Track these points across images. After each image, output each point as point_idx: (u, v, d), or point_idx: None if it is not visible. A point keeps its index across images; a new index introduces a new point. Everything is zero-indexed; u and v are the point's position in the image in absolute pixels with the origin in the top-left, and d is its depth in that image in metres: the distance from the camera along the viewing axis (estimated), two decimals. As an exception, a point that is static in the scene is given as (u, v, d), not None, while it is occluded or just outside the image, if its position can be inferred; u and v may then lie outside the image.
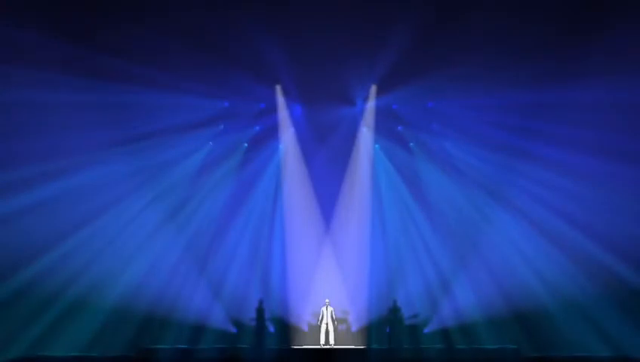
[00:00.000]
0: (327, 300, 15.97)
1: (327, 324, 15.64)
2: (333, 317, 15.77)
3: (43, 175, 15.14)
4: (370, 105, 17.43)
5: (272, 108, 17.54)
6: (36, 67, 14.51)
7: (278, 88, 17.23)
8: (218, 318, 16.29)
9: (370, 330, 16.39)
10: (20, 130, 14.93)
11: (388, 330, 15.74)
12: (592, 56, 14.62)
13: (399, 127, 17.76)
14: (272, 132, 17.71)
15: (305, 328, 16.70)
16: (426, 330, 16.19)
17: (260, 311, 15.86)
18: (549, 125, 15.84)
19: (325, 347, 15.33)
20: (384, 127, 17.72)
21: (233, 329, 16.32)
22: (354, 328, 16.67)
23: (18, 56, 14.40)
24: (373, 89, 17.13)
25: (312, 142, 17.76)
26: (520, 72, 15.71)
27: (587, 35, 14.57)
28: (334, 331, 15.65)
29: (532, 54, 15.51)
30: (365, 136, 17.75)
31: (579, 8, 14.65)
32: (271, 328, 16.30)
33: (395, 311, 15.74)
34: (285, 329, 16.39)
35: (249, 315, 16.06)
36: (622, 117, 14.99)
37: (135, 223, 16.20)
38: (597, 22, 14.45)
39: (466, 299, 16.12)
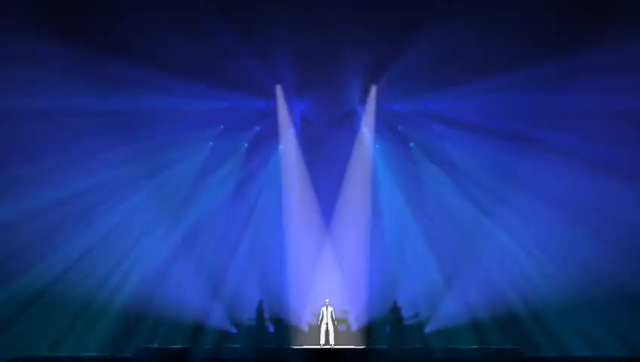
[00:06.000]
0: (327, 300, 15.95)
1: (327, 324, 15.61)
2: (333, 317, 15.74)
3: (43, 177, 15.16)
4: (370, 105, 17.42)
5: (272, 109, 17.54)
6: (37, 72, 14.52)
7: (279, 88, 17.22)
8: (218, 318, 16.27)
9: (370, 330, 16.37)
10: (26, 133, 14.98)
11: (388, 330, 15.72)
12: (595, 56, 14.60)
13: (399, 127, 17.76)
14: (272, 132, 17.72)
15: (305, 328, 16.68)
16: (426, 330, 16.17)
17: (259, 311, 15.86)
18: (550, 125, 15.83)
19: (325, 347, 15.30)
20: (384, 127, 17.72)
21: (233, 329, 16.30)
22: (354, 328, 16.65)
23: (20, 62, 14.42)
24: (374, 89, 17.12)
25: (312, 143, 17.76)
26: (521, 72, 15.71)
27: (589, 36, 14.55)
28: (334, 331, 15.62)
29: (534, 54, 15.51)
30: (365, 136, 17.75)
31: (580, 10, 14.64)
32: (271, 328, 16.28)
33: (395, 311, 15.72)
34: (285, 329, 16.36)
35: (249, 315, 16.06)
36: (622, 115, 14.99)
37: (135, 223, 16.22)
38: (598, 23, 14.44)
39: (466, 299, 16.10)
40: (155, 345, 14.76)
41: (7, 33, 13.92)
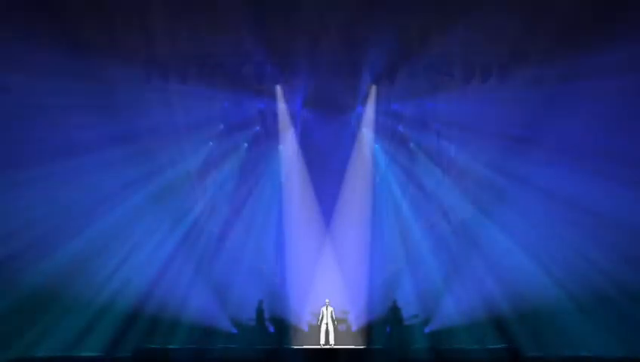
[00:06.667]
0: (327, 300, 15.93)
1: (327, 324, 15.60)
2: (333, 317, 15.73)
3: (46, 176, 15.16)
4: (370, 105, 17.43)
5: (272, 109, 17.55)
6: (36, 73, 14.52)
7: (278, 88, 17.23)
8: (218, 318, 16.27)
9: (370, 330, 16.37)
10: (21, 133, 14.97)
11: (388, 330, 15.72)
12: (596, 56, 14.60)
13: (399, 127, 17.77)
14: (271, 132, 17.71)
15: (305, 328, 16.68)
16: (426, 330, 16.18)
17: (259, 311, 15.86)
18: (550, 125, 15.83)
19: (325, 347, 15.30)
20: (384, 127, 17.73)
21: (233, 329, 16.31)
22: (354, 328, 16.65)
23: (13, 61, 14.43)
24: (373, 89, 17.13)
25: (311, 142, 17.76)
26: (521, 72, 15.71)
27: (591, 36, 14.55)
28: (334, 331, 15.61)
29: (534, 54, 15.52)
30: (365, 136, 17.76)
31: (582, 10, 14.65)
32: (271, 328, 16.29)
33: (395, 310, 15.73)
34: (285, 329, 16.36)
35: (249, 315, 16.07)
36: (623, 115, 15.00)
37: (135, 223, 16.21)
38: (601, 23, 14.45)
39: (466, 299, 16.11)
40: (154, 345, 14.76)
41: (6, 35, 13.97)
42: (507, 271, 16.07)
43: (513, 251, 16.21)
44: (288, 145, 17.84)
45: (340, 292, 16.88)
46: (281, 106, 17.52)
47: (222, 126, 17.52)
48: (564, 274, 15.54)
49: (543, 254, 15.96)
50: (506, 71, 15.79)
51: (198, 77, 16.02)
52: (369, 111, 17.53)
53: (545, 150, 15.98)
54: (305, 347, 15.69)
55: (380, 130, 17.71)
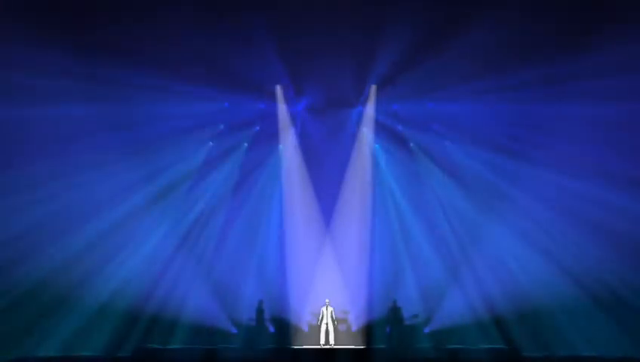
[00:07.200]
0: (327, 300, 15.95)
1: (327, 324, 15.62)
2: (333, 317, 15.74)
3: (46, 176, 15.17)
4: (370, 105, 17.44)
5: (272, 109, 17.56)
6: (35, 74, 14.52)
7: (278, 88, 17.25)
8: (218, 318, 16.27)
9: (370, 330, 16.36)
10: (25, 134, 14.98)
11: (388, 330, 15.72)
12: (596, 56, 14.59)
13: (399, 127, 17.77)
14: (272, 132, 17.71)
15: (305, 328, 16.68)
16: (426, 330, 16.17)
17: (259, 311, 15.87)
18: (550, 125, 15.83)
19: (325, 347, 15.30)
20: (384, 127, 17.73)
21: (233, 329, 16.31)
22: (354, 328, 16.65)
23: (18, 64, 14.42)
24: (374, 89, 17.15)
25: (311, 143, 17.77)
26: (521, 72, 15.69)
27: (591, 35, 14.54)
28: (334, 331, 15.62)
29: (534, 54, 15.51)
30: (365, 136, 17.77)
31: (582, 8, 14.63)
32: (271, 328, 16.29)
33: (395, 310, 15.73)
34: (285, 329, 16.36)
35: (249, 315, 16.07)
36: (625, 116, 14.98)
37: (135, 223, 16.20)
38: (601, 22, 14.43)
39: (466, 299, 16.11)
40: (154, 345, 14.75)
41: (6, 36, 13.96)
42: (507, 271, 16.07)
43: (513, 251, 16.21)
44: (288, 145, 17.84)
45: (340, 292, 16.88)
46: (281, 106, 17.53)
47: (222, 126, 17.53)
48: (564, 274, 15.53)
49: (542, 254, 15.96)
50: (506, 71, 15.74)
51: (198, 77, 15.99)
52: (369, 111, 17.54)
53: (545, 150, 15.98)
54: (305, 347, 15.70)
55: (379, 130, 17.71)
